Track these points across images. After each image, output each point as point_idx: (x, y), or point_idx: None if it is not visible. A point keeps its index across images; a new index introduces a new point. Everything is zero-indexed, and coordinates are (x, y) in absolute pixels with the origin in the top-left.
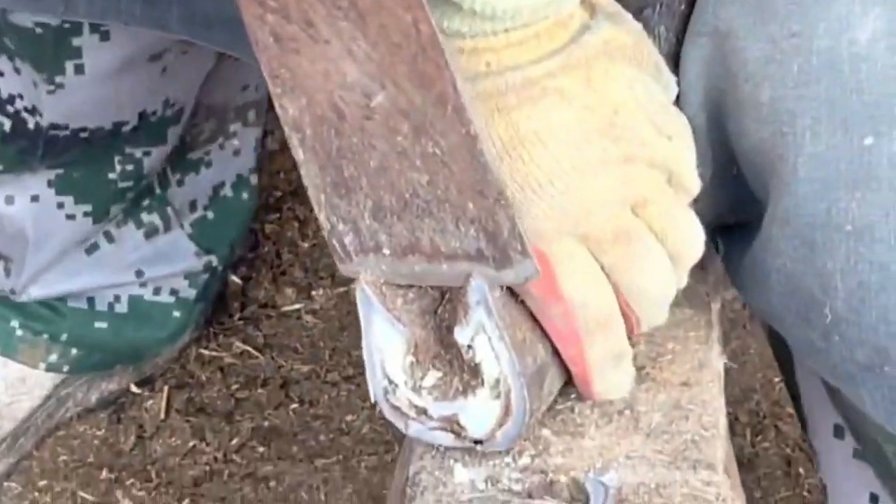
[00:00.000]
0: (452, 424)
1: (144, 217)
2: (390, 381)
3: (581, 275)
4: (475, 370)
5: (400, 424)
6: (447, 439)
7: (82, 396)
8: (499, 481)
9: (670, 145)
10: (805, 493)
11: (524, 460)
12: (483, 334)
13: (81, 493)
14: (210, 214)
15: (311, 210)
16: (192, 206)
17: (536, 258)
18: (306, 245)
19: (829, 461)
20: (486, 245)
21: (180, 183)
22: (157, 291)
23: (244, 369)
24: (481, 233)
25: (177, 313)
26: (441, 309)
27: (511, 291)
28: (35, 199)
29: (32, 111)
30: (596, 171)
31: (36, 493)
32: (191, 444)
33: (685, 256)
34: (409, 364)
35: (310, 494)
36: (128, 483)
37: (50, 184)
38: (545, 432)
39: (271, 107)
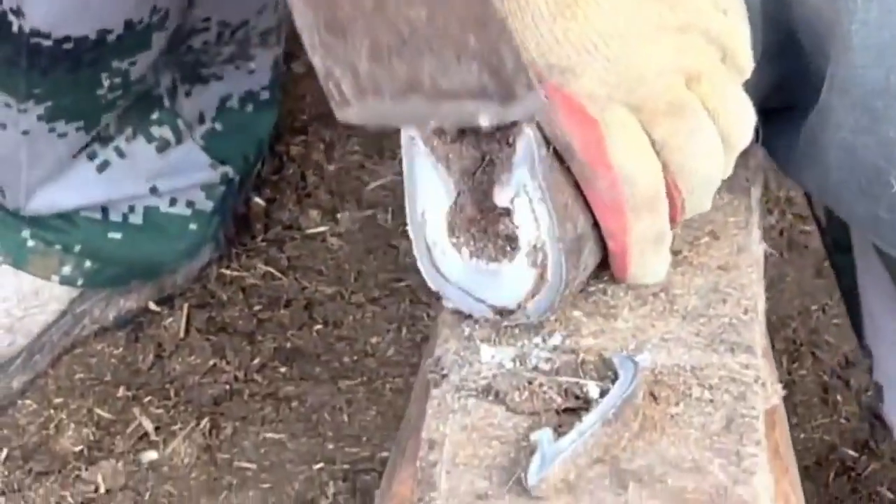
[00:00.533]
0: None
1: (155, 131)
2: (432, 240)
3: (632, 146)
4: (511, 235)
5: (437, 285)
6: (479, 308)
7: (99, 313)
8: (526, 360)
9: (726, 20)
10: (842, 421)
11: (554, 340)
12: (524, 196)
13: (98, 411)
14: (218, 126)
15: (339, 133)
16: (201, 117)
17: (587, 125)
18: (332, 168)
19: (889, 364)
20: (489, 80)
21: (188, 94)
22: (173, 203)
23: (267, 290)
24: (484, 68)
25: (193, 225)
26: (480, 172)
27: (557, 155)
28: (26, 132)
29: (17, 12)
30: (651, 36)
31: (51, 411)
32: (211, 363)
33: (735, 138)
34: (450, 220)
35: (332, 415)
36: (145, 401)
37: (40, 118)
38: (576, 313)
39: (294, 31)
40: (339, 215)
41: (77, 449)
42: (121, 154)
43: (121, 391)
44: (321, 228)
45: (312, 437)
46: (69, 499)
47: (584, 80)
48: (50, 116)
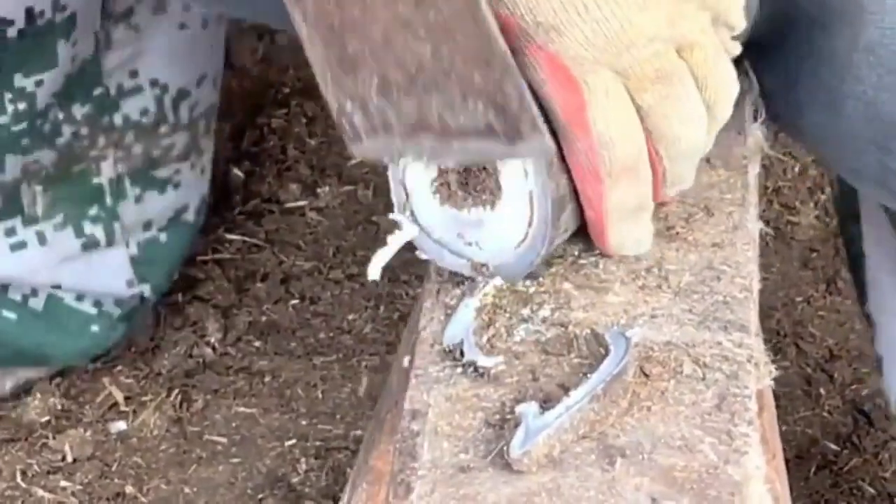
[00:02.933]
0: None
1: (87, 227)
2: (411, 187)
3: (614, 112)
4: (495, 187)
5: (419, 242)
6: (456, 263)
7: None
8: (514, 332)
9: None
10: (825, 414)
11: (543, 312)
12: None
13: (66, 381)
14: (163, 237)
15: (322, 108)
16: (147, 225)
17: (569, 86)
18: (314, 142)
19: (892, 333)
20: (495, 119)
21: (139, 199)
22: (79, 298)
23: (244, 263)
24: (490, 106)
25: (95, 328)
26: None
27: (545, 115)
28: None
29: None
30: (644, 1)
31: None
32: (183, 334)
33: (719, 108)
34: (432, 174)
35: (306, 392)
36: (115, 371)
37: None
38: (566, 286)
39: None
40: (319, 190)
41: (44, 419)
42: (42, 240)
43: (88, 363)
44: (300, 202)
45: (285, 413)
46: (35, 467)
47: (570, 41)
48: None
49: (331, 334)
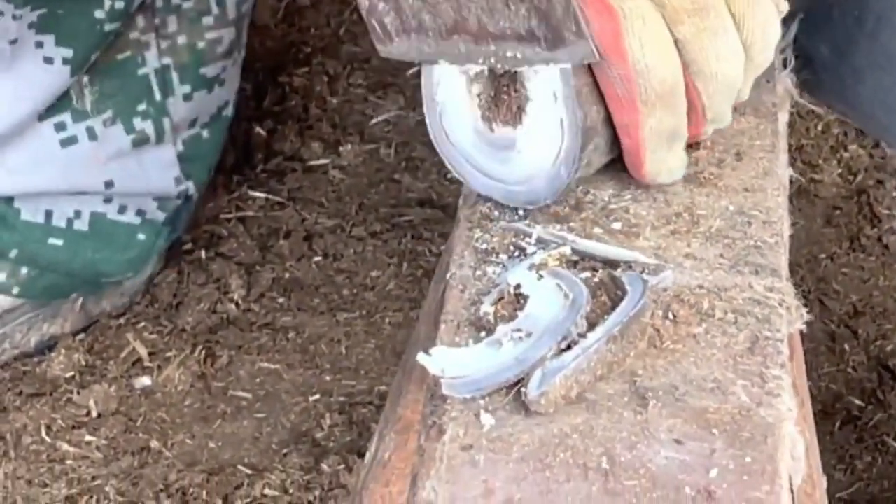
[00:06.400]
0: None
1: (137, 122)
2: (441, 109)
3: (650, 39)
4: (526, 106)
5: (447, 154)
6: (487, 185)
7: (21, 338)
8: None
9: None
10: (849, 370)
11: (574, 257)
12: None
13: (89, 338)
14: (205, 133)
15: (344, 66)
16: (193, 122)
17: (606, 12)
18: (335, 101)
19: None
20: (537, 25)
21: (188, 98)
22: (122, 210)
23: (267, 220)
24: (532, 11)
25: (142, 236)
26: None
27: None
28: (14, 42)
29: None
30: None
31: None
32: (206, 291)
33: (757, 50)
34: (464, 92)
35: (330, 347)
36: (139, 327)
37: (31, 25)
38: (597, 230)
39: None
40: (341, 148)
41: (69, 374)
42: (92, 135)
43: (111, 320)
44: (323, 161)
45: (309, 369)
46: (59, 422)
47: None
48: (41, 26)
49: (354, 291)
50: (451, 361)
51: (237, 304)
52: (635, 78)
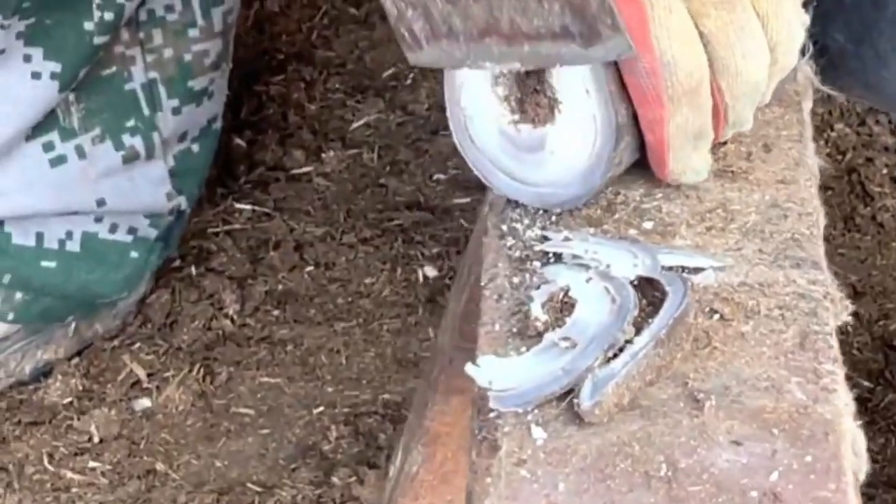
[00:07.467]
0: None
1: (126, 139)
2: (466, 114)
3: (676, 31)
4: (556, 107)
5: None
6: (518, 190)
7: (15, 366)
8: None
9: None
10: (854, 352)
11: None
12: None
13: (84, 362)
14: (195, 147)
15: (319, 72)
16: (182, 137)
17: (632, 2)
18: (314, 107)
19: None
20: (572, 21)
21: (177, 112)
22: (113, 229)
23: (255, 232)
24: (566, 8)
25: (134, 253)
26: None
27: None
28: (1, 52)
29: None
30: None
31: None
32: (200, 307)
33: (781, 50)
34: (490, 95)
35: (330, 358)
36: (134, 348)
37: (19, 35)
38: (632, 232)
39: None
40: (323, 155)
41: (67, 400)
42: (81, 154)
43: (105, 342)
44: (306, 168)
45: (310, 381)
46: (62, 449)
47: None
48: (29, 38)
49: (349, 299)
50: (498, 373)
51: (232, 320)
52: (661, 71)
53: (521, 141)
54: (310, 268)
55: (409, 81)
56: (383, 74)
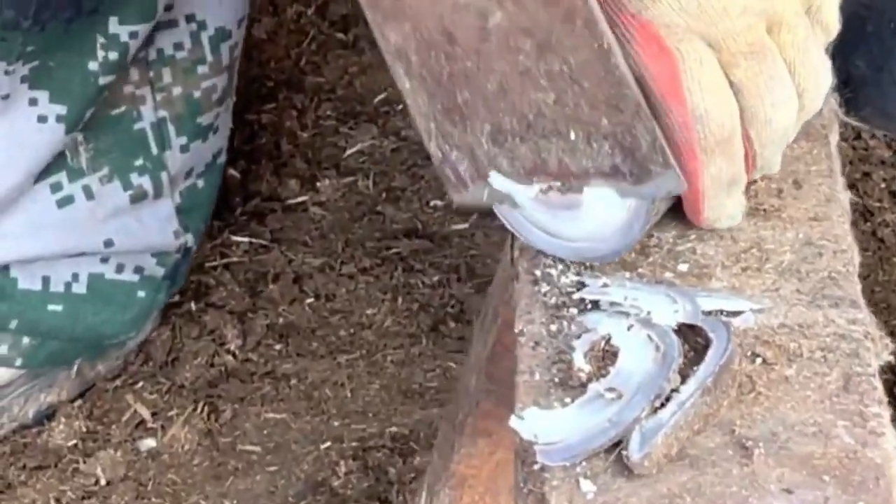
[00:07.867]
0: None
1: (135, 178)
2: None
3: (708, 83)
4: None
5: (512, 222)
6: (551, 244)
7: (18, 410)
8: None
9: None
10: None
11: None
12: None
13: (87, 404)
14: (201, 183)
15: (310, 99)
16: (189, 173)
17: (663, 55)
18: (306, 135)
19: None
20: (622, 161)
21: (184, 149)
22: (120, 269)
23: (253, 265)
24: (616, 148)
25: (141, 293)
26: None
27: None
28: (6, 97)
29: None
30: None
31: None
32: (201, 344)
33: (809, 97)
34: None
35: (334, 391)
36: (137, 388)
37: (24, 79)
38: (668, 275)
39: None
40: (318, 184)
41: (71, 443)
42: (89, 194)
43: (107, 383)
44: (301, 198)
45: (316, 416)
46: (69, 493)
47: (663, 7)
48: (34, 81)
49: (351, 331)
50: (543, 425)
51: (234, 355)
52: (694, 124)
53: (556, 202)
54: (310, 300)
55: (401, 106)
56: (374, 100)
